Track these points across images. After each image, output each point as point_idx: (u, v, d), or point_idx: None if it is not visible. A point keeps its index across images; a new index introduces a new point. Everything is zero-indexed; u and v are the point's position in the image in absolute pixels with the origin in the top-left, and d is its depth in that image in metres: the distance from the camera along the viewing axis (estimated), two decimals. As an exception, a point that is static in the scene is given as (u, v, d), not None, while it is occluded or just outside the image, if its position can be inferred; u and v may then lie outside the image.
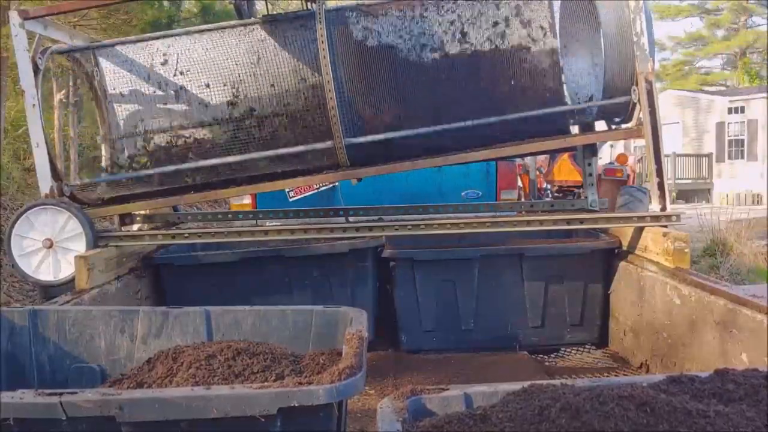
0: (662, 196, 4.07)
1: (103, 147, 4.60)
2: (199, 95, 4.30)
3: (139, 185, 4.41)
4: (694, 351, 3.41)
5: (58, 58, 4.45)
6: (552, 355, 4.63)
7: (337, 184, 5.96)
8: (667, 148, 10.31)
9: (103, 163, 4.58)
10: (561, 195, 10.70)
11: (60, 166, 7.69)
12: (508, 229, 4.23)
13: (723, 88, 33.90)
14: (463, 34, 4.16)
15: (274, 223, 5.22)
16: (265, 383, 1.97)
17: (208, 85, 4.29)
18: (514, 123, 4.18)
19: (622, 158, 10.47)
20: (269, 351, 2.37)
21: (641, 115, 4.11)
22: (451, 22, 4.17)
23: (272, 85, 4.26)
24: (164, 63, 4.33)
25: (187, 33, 4.45)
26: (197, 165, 4.29)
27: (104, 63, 4.39)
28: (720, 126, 25.88)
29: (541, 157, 10.55)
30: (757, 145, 24.29)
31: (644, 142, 4.16)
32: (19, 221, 4.06)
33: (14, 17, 4.03)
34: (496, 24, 4.16)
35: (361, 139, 4.17)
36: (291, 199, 6.10)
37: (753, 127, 24.59)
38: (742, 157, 25.17)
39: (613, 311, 4.47)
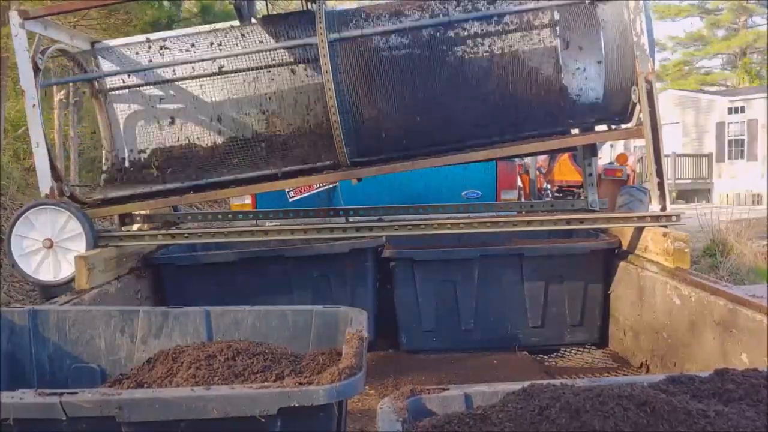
0: (662, 196, 4.06)
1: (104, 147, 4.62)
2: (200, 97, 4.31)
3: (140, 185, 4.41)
4: (694, 351, 3.41)
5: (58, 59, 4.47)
6: (552, 355, 4.63)
7: (337, 184, 5.96)
8: (667, 148, 10.30)
9: (104, 163, 4.58)
10: (561, 195, 10.69)
11: (60, 166, 7.68)
12: (508, 229, 4.23)
13: (723, 88, 33.87)
14: (465, 41, 4.16)
15: (274, 223, 5.22)
16: (265, 383, 1.97)
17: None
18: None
19: (622, 158, 10.46)
20: (269, 351, 2.38)
21: (641, 115, 4.11)
22: (454, 30, 4.18)
23: (273, 87, 4.26)
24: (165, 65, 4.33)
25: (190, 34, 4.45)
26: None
27: (104, 63, 4.40)
28: (720, 126, 25.87)
29: (541, 157, 10.55)
30: (757, 145, 24.27)
31: (644, 142, 4.16)
32: (19, 221, 4.06)
33: (14, 17, 4.03)
34: (498, 29, 4.16)
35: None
36: (291, 199, 6.10)
37: (753, 127, 24.58)
38: (742, 157, 25.16)
39: (613, 311, 4.47)
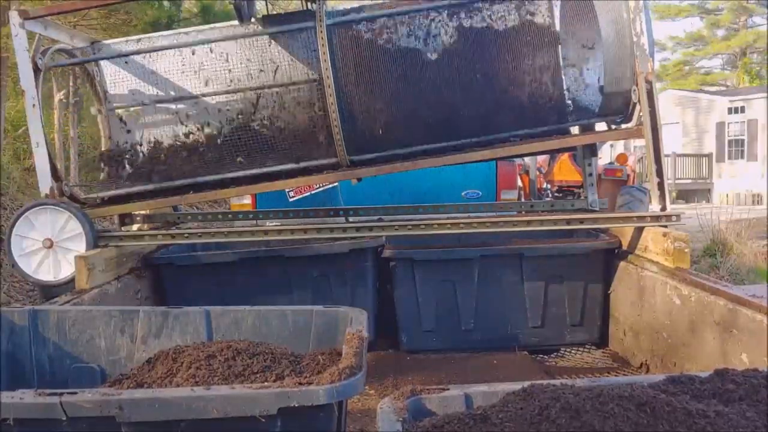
0: (662, 196, 4.06)
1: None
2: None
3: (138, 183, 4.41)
4: (694, 351, 3.41)
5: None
6: (552, 355, 4.63)
7: (337, 184, 5.96)
8: (667, 148, 10.29)
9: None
10: (561, 195, 10.69)
11: (60, 166, 7.68)
12: (508, 229, 4.23)
13: (723, 88, 33.87)
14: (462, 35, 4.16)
15: (274, 223, 5.22)
16: (265, 383, 1.97)
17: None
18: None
19: (622, 158, 10.47)
20: (269, 351, 2.37)
21: (641, 115, 4.11)
22: (453, 26, 4.18)
23: (274, 86, 4.27)
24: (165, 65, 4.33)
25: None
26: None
27: (104, 63, 4.40)
28: (720, 126, 25.87)
29: (541, 157, 10.55)
30: (757, 145, 24.27)
31: (644, 142, 4.15)
32: (19, 221, 4.06)
33: (14, 17, 4.03)
34: (496, 25, 4.17)
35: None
36: (291, 199, 6.10)
37: (753, 127, 24.58)
38: (742, 157, 25.16)
39: (613, 311, 4.47)
